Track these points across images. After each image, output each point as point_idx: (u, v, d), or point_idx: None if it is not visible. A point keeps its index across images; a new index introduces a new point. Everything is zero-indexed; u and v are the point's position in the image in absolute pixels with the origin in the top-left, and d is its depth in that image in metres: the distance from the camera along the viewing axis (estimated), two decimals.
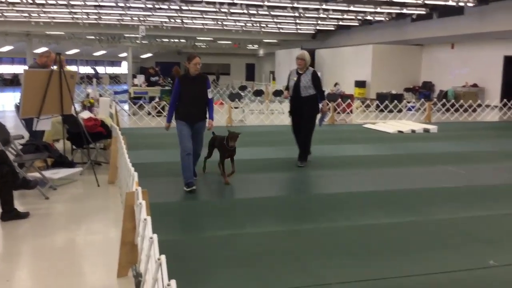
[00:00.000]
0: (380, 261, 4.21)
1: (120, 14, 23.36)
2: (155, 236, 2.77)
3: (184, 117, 6.46)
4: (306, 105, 8.01)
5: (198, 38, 34.30)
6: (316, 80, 8.01)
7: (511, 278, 3.91)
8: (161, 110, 15.24)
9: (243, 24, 27.01)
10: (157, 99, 16.52)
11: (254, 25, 27.36)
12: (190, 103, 6.46)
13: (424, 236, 4.90)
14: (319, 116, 8.30)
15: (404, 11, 20.62)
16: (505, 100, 20.11)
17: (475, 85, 23.37)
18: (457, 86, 23.13)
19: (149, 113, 15.41)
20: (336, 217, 5.45)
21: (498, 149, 10.53)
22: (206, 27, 27.77)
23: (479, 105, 18.88)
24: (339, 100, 16.81)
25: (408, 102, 19.83)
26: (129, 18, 24.86)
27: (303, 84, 7.96)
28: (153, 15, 23.21)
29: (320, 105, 8.15)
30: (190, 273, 3.88)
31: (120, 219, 3.88)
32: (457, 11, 21.73)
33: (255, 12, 21.27)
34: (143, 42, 35.37)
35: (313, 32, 31.64)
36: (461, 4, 18.99)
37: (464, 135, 12.77)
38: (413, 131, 13.15)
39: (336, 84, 21.71)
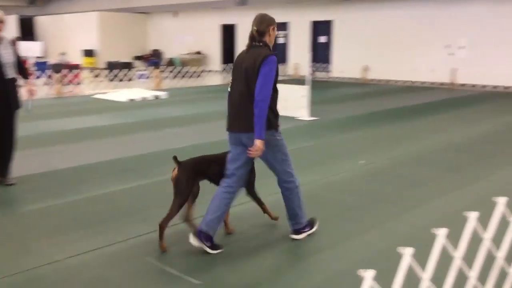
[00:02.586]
0: (113, 228, 4.24)
1: None
2: None
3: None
4: (13, 92, 5.52)
5: None
6: (19, 55, 5.64)
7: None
8: None
9: None
10: None
11: None
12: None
13: (157, 196, 5.14)
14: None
15: None
16: (224, 65, 22.31)
17: (198, 52, 25.16)
18: (183, 53, 24.52)
19: None
20: (65, 193, 5.21)
21: (216, 109, 11.70)
22: None
23: (203, 71, 20.50)
24: (65, 70, 15.86)
25: (138, 70, 20.08)
26: None
27: (6, 59, 5.35)
28: None
29: (25, 88, 5.79)
30: None
31: None
32: None
33: None
34: None
35: None
36: None
37: (191, 99, 13.73)
38: (144, 98, 13.44)
39: (62, 54, 20.34)
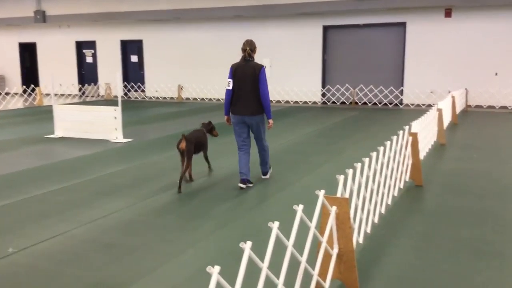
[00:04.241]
0: None
1: None
2: None
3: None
4: None
5: None
6: None
7: (29, 260, 3.96)
8: None
9: None
10: None
11: None
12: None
13: None
14: None
15: None
16: (24, 86, 20.36)
17: None
18: None
19: None
20: None
21: (20, 136, 10.54)
22: None
23: None
24: None
25: None
26: None
27: None
28: None
29: None
30: None
31: None
32: None
33: None
34: None
35: None
36: None
37: None
38: None
39: None
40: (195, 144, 6.19)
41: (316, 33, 17.66)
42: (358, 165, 3.83)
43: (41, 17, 20.64)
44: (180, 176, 5.96)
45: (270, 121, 6.19)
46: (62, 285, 3.49)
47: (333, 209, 3.11)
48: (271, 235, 2.43)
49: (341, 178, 3.29)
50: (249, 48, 6.02)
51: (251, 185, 6.16)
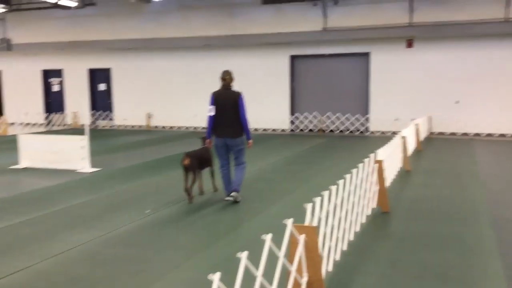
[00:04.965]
0: None
1: None
2: None
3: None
4: None
5: None
6: None
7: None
8: None
9: None
10: None
11: None
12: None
13: None
14: None
15: None
16: None
17: None
18: None
19: None
20: None
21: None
22: None
23: None
24: None
25: None
26: None
27: None
28: None
29: None
30: None
31: None
32: None
33: None
34: None
35: None
36: None
37: None
38: None
39: None
40: (199, 160, 6.81)
41: (284, 63, 17.99)
42: (326, 193, 3.90)
43: (6, 46, 20.37)
44: (186, 188, 6.70)
45: (250, 141, 6.89)
46: None
47: (302, 238, 3.15)
48: (240, 265, 2.45)
49: (309, 206, 3.35)
50: (228, 77, 6.74)
51: (239, 198, 6.82)
